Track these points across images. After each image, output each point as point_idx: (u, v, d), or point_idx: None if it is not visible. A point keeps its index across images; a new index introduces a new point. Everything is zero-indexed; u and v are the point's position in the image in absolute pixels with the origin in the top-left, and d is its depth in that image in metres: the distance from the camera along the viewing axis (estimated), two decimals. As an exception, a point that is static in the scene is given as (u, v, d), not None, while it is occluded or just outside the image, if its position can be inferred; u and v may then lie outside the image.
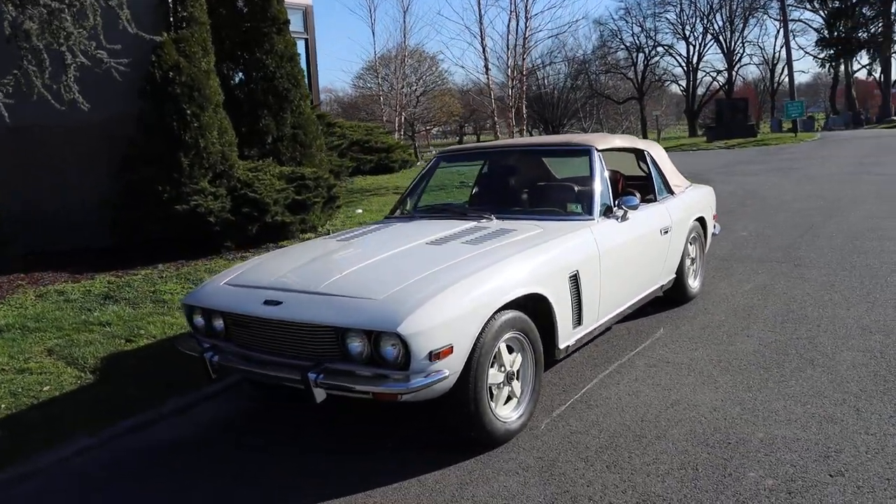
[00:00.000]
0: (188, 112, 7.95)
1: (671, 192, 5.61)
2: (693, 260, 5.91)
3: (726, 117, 31.96)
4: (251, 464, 3.63)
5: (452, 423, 3.50)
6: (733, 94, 49.53)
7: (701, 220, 6.03)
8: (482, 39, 18.68)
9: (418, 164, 18.16)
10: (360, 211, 11.10)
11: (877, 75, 50.55)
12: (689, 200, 5.86)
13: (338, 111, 35.00)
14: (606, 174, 4.73)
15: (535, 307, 3.75)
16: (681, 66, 53.75)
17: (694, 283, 5.95)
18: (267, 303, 3.51)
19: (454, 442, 3.60)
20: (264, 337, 3.55)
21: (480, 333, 3.34)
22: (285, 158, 9.50)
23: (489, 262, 3.61)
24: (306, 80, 11.52)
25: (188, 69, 7.96)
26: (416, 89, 31.28)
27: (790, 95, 30.51)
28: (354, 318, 3.21)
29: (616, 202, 4.63)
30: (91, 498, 3.48)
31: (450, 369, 3.21)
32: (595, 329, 4.39)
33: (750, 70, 70.57)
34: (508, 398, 3.70)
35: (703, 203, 6.17)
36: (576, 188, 4.67)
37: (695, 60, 52.77)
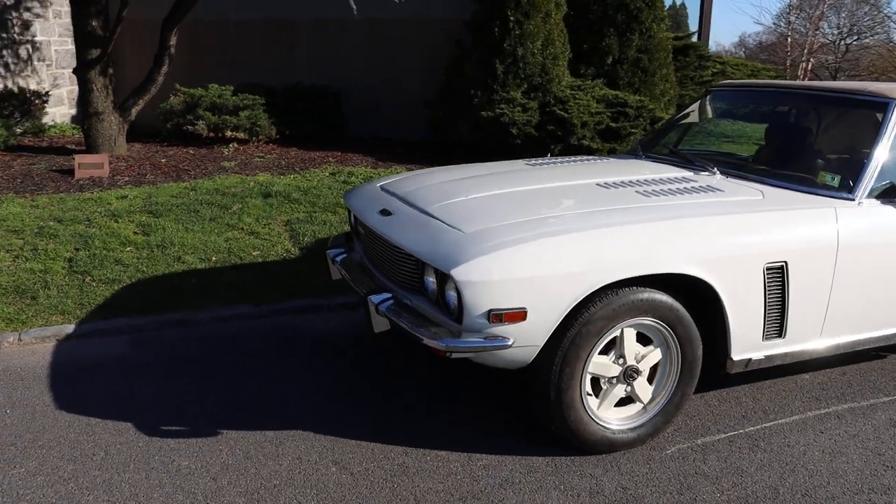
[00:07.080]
0: (511, 18, 7.74)
1: None
2: None
3: None
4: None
5: (534, 409, 2.83)
6: None
7: None
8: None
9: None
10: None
11: None
12: None
13: (738, 52, 31.08)
14: None
15: (703, 296, 2.80)
16: None
17: None
18: (382, 212, 3.15)
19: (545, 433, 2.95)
20: (375, 249, 3.20)
21: (581, 305, 2.58)
22: (622, 83, 8.74)
23: (633, 219, 2.72)
24: (699, 9, 10.96)
25: (522, -26, 7.71)
26: (840, 33, 26.51)
27: None
28: (426, 248, 2.67)
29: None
30: (227, 361, 3.63)
31: (520, 339, 2.52)
32: (822, 349, 3.16)
33: None
34: (625, 401, 2.87)
35: None
36: (839, 153, 3.31)
37: None
